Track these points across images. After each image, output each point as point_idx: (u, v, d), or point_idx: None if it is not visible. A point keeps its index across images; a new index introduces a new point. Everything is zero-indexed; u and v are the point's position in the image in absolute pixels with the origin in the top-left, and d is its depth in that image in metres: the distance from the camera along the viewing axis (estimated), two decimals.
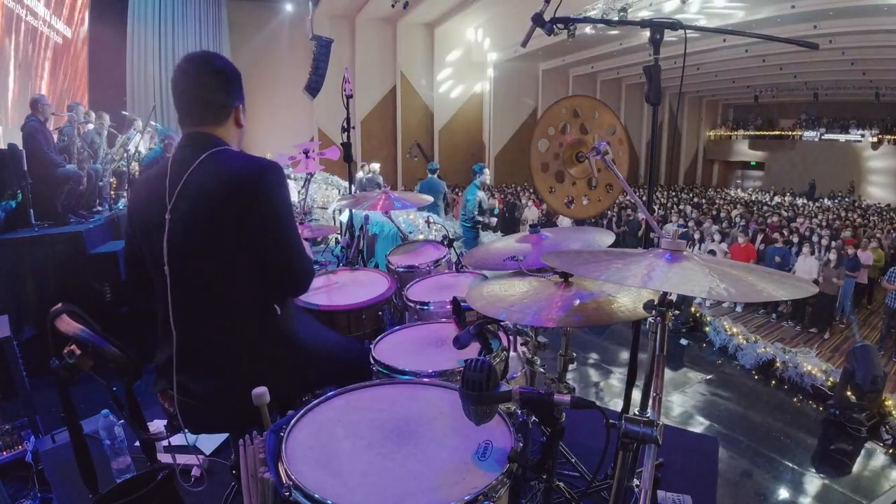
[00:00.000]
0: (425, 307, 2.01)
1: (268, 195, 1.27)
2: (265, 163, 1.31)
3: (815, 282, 7.93)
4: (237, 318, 1.34)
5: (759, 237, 10.05)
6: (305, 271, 1.38)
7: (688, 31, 1.57)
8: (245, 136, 1.46)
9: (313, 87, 11.03)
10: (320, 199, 8.72)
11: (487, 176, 6.06)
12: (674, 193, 18.16)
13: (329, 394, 1.25)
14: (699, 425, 4.50)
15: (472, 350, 1.26)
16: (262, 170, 1.28)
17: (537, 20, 1.67)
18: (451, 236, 2.68)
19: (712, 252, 8.88)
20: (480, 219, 5.94)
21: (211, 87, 1.33)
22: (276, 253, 1.32)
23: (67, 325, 1.29)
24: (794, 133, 22.19)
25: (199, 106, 1.34)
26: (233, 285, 1.32)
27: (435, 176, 6.88)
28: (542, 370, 1.67)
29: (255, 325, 1.35)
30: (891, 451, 4.47)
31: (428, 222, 5.85)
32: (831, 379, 5.26)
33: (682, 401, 5.00)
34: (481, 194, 5.98)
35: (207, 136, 1.33)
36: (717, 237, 9.55)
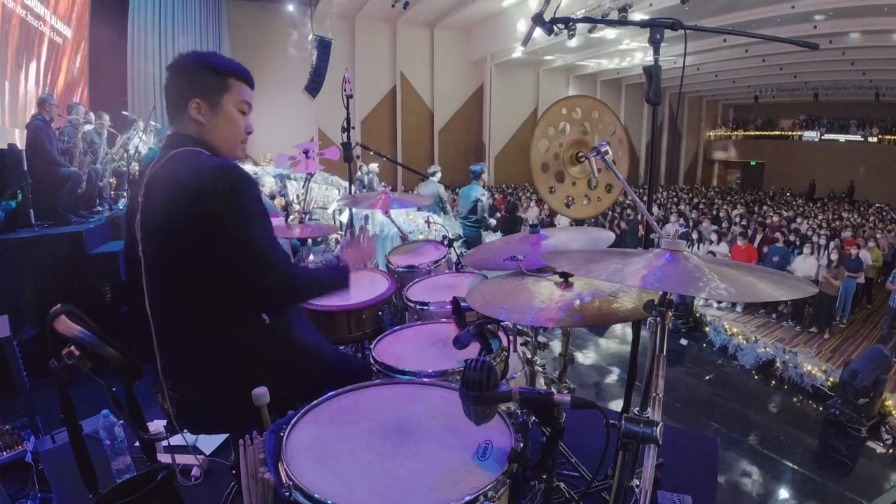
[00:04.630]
0: (425, 307, 2.01)
1: (213, 200, 1.20)
2: (217, 166, 1.25)
3: (815, 282, 7.94)
4: (213, 322, 1.31)
5: (759, 237, 10.04)
6: (268, 283, 1.26)
7: (688, 30, 1.57)
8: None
9: (313, 87, 11.01)
10: (320, 199, 8.72)
11: (485, 176, 6.04)
12: (673, 193, 18.14)
13: (329, 394, 1.25)
14: (699, 425, 4.50)
15: (472, 350, 1.26)
16: (211, 172, 1.23)
17: (537, 20, 1.67)
18: (451, 236, 2.68)
19: (712, 254, 8.86)
20: (487, 219, 5.91)
21: (171, 83, 1.35)
22: (237, 263, 1.24)
23: (66, 326, 1.29)
24: (794, 133, 22.19)
25: (166, 103, 1.36)
26: (199, 290, 1.28)
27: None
28: (542, 370, 1.67)
29: (237, 333, 1.32)
30: (891, 451, 4.47)
31: (428, 222, 5.85)
32: (831, 379, 5.26)
33: (682, 401, 5.00)
34: (487, 196, 5.97)
35: (178, 136, 1.34)
36: (714, 237, 9.53)
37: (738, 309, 8.21)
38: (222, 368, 1.32)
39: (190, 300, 1.30)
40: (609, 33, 13.54)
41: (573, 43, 13.18)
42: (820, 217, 13.64)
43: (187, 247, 1.24)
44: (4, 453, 2.47)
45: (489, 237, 6.33)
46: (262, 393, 1.17)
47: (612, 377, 5.34)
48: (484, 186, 5.97)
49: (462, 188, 6.21)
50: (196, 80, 1.33)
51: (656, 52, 1.58)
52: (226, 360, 1.32)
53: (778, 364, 5.81)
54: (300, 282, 1.34)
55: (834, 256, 7.71)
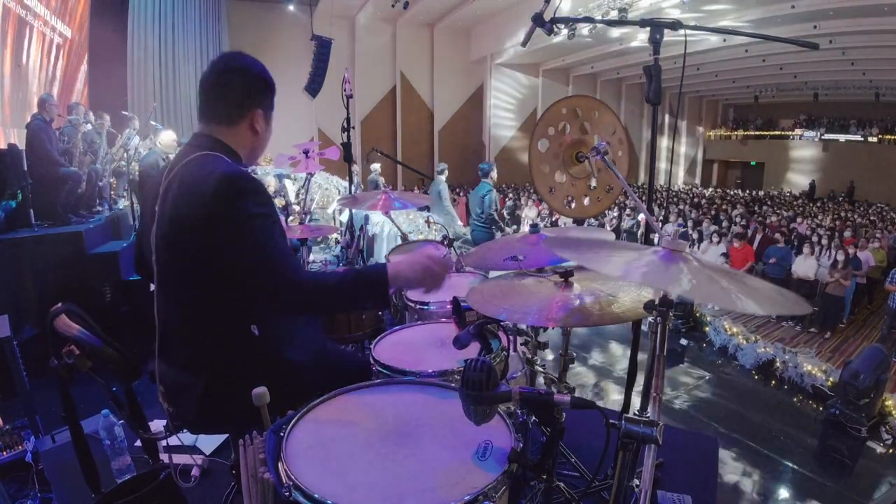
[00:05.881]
0: (425, 307, 2.01)
1: (216, 206, 1.18)
2: (226, 172, 1.21)
3: (815, 282, 7.94)
4: (206, 328, 1.31)
5: (758, 237, 10.03)
6: (272, 291, 1.20)
7: (688, 30, 1.57)
8: None
9: (313, 87, 11.03)
10: (320, 199, 8.72)
11: (494, 174, 5.98)
12: (673, 193, 18.14)
13: (329, 394, 1.25)
14: (699, 425, 4.50)
15: (472, 350, 1.25)
16: (219, 178, 1.19)
17: (537, 20, 1.67)
18: (451, 236, 2.68)
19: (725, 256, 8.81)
20: (494, 216, 5.82)
21: (231, 82, 1.32)
22: (240, 269, 1.20)
23: (66, 325, 1.30)
24: (794, 133, 22.19)
25: (215, 98, 1.32)
26: (196, 294, 1.28)
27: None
28: (542, 370, 1.67)
29: (224, 344, 1.31)
30: (891, 451, 4.47)
31: (428, 222, 5.85)
32: (831, 379, 5.26)
33: (682, 401, 5.00)
34: (495, 192, 5.93)
35: (208, 137, 1.32)
36: (715, 238, 9.51)
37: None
38: (215, 378, 1.31)
39: (189, 305, 1.31)
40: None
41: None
42: (820, 217, 13.63)
43: (193, 253, 1.24)
44: (4, 453, 2.47)
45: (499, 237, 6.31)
46: (262, 393, 1.17)
47: (612, 377, 5.34)
48: (493, 184, 5.94)
49: (472, 191, 6.16)
50: (261, 92, 1.36)
51: (656, 51, 1.58)
52: (219, 370, 1.31)
53: (778, 364, 5.81)
54: (312, 291, 1.24)
55: (840, 257, 7.68)
